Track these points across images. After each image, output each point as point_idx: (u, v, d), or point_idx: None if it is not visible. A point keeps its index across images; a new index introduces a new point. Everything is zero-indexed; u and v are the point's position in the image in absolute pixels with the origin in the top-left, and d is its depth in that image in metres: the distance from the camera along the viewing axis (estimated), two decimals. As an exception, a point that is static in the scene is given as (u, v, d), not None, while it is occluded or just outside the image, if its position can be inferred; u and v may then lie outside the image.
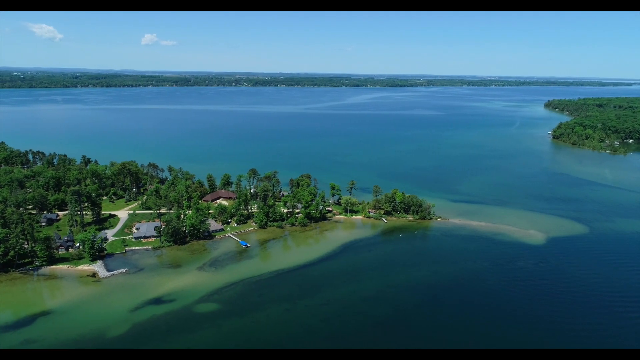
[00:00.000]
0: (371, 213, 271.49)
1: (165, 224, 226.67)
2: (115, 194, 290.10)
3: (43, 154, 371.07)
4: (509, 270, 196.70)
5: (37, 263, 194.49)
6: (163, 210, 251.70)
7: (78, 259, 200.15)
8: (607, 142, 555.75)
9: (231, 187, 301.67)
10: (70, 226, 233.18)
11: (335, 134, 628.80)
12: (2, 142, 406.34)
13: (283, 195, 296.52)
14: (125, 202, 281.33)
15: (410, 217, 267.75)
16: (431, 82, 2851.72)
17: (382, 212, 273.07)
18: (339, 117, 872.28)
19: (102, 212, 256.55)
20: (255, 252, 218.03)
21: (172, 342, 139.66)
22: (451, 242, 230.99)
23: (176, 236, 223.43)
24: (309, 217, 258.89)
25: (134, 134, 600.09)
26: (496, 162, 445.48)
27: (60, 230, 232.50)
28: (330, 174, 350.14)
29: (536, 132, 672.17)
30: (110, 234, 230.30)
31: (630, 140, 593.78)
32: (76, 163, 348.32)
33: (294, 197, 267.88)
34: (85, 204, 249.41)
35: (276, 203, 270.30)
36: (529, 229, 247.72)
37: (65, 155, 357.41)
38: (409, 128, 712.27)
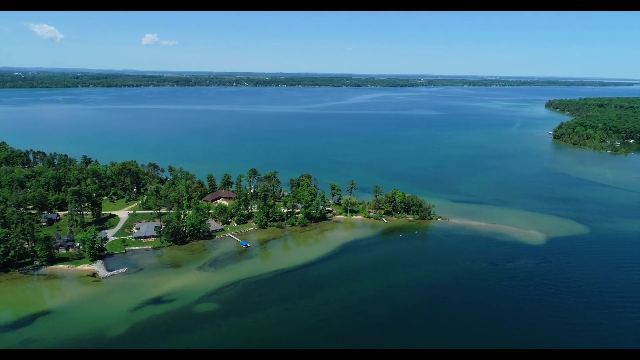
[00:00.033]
0: (371, 213, 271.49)
1: (165, 224, 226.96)
2: (115, 194, 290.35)
3: (44, 154, 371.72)
4: (509, 270, 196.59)
5: (37, 263, 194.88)
6: (163, 210, 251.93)
7: (78, 258, 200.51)
8: (608, 142, 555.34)
9: (231, 187, 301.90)
10: (71, 226, 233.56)
11: (335, 134, 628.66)
12: (3, 142, 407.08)
13: (283, 195, 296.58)
14: (126, 202, 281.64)
15: (410, 217, 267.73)
16: (432, 82, 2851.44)
17: (382, 212, 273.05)
18: (340, 117, 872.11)
19: (103, 212, 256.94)
20: (255, 252, 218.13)
21: (171, 342, 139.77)
22: (451, 242, 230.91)
23: (176, 236, 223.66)
24: (309, 217, 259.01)
25: (135, 134, 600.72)
26: (496, 162, 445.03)
27: (61, 230, 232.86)
28: (330, 174, 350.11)
29: (537, 132, 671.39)
30: (110, 233, 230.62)
31: (631, 141, 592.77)
32: (77, 163, 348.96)
33: (294, 197, 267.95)
34: (86, 204, 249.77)
35: (276, 203, 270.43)
36: (529, 229, 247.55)
37: (65, 155, 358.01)
38: (410, 128, 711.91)
